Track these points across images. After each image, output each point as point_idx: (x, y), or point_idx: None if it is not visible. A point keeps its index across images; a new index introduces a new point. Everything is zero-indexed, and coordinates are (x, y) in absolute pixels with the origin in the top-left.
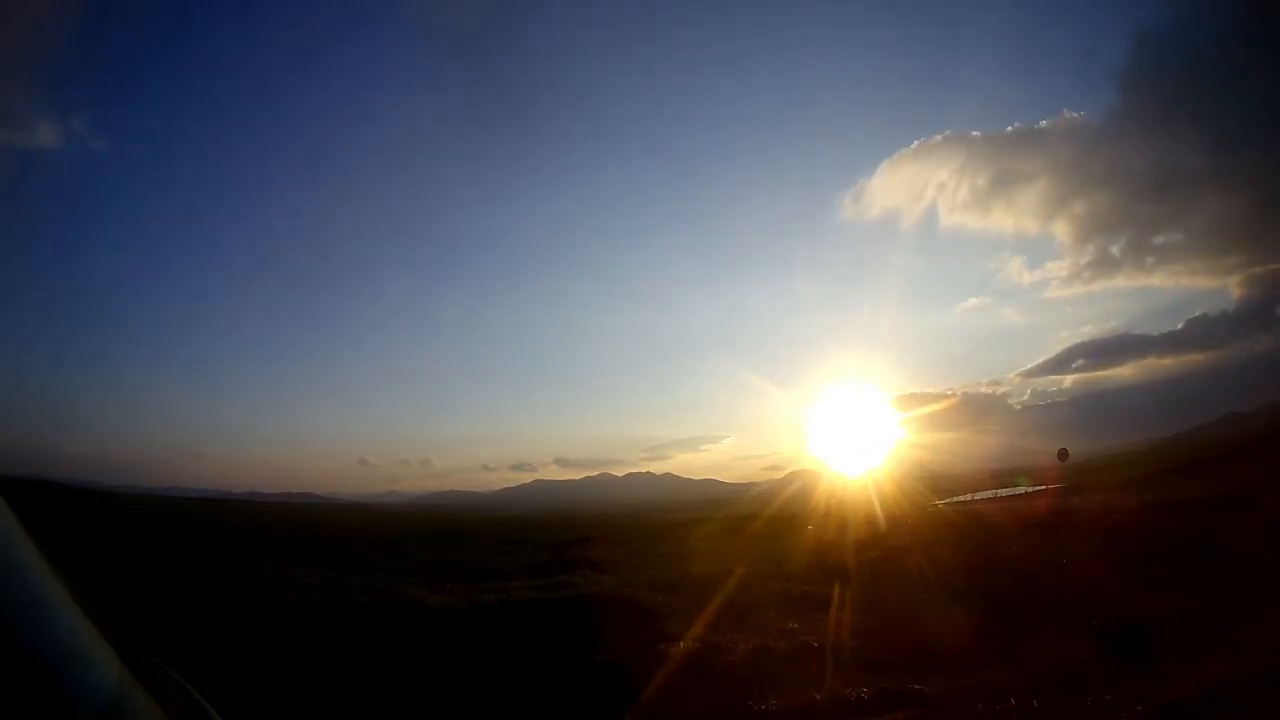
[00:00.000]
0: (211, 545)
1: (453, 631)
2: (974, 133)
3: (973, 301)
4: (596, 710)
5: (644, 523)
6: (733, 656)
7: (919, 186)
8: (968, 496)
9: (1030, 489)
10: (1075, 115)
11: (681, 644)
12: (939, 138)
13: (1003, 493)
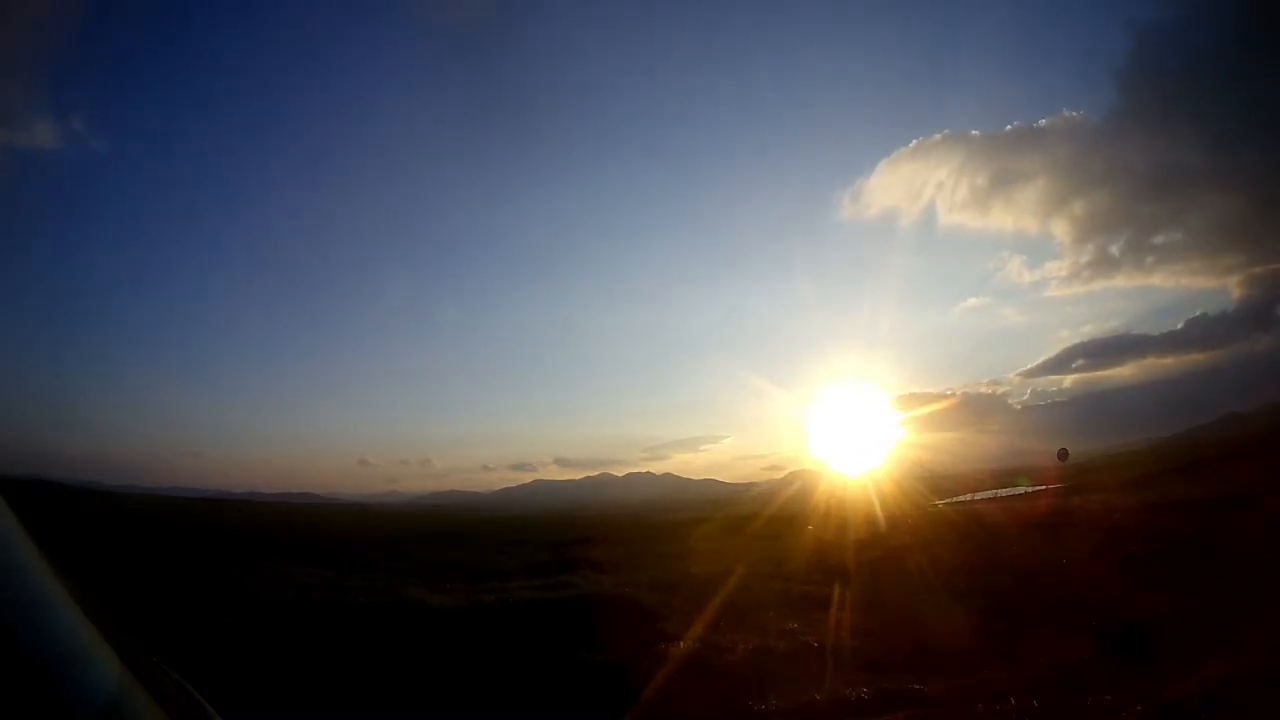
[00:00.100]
0: (211, 545)
1: (453, 631)
2: (973, 132)
3: (972, 301)
4: (596, 710)
5: (644, 523)
6: (733, 656)
7: (918, 186)
8: (968, 496)
9: (1030, 489)
10: (1074, 114)
11: (681, 644)
12: (938, 136)
13: (1003, 493)
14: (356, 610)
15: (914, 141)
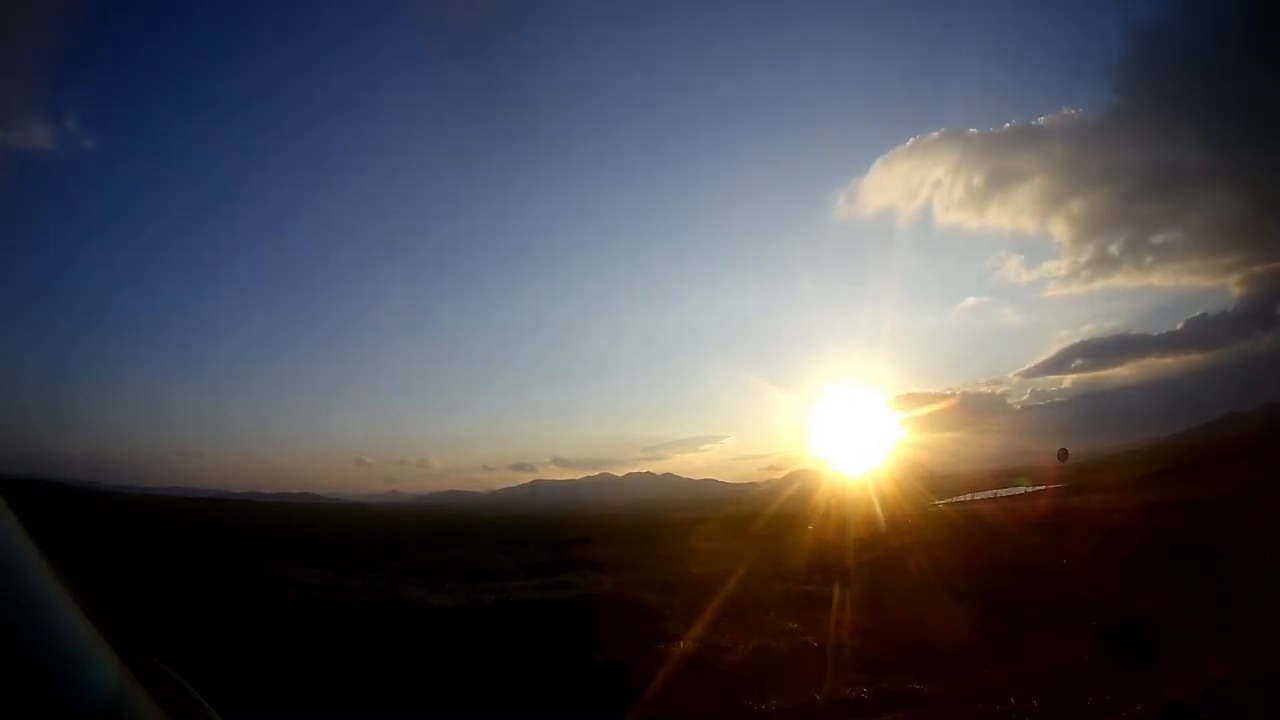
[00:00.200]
0: (211, 545)
1: (453, 631)
2: (970, 130)
3: (970, 301)
4: (596, 710)
5: (644, 523)
6: (733, 656)
7: (914, 185)
8: (967, 497)
9: (1030, 489)
10: (1072, 112)
11: (681, 644)
12: (934, 135)
13: (1002, 493)
14: (356, 610)
15: (910, 140)
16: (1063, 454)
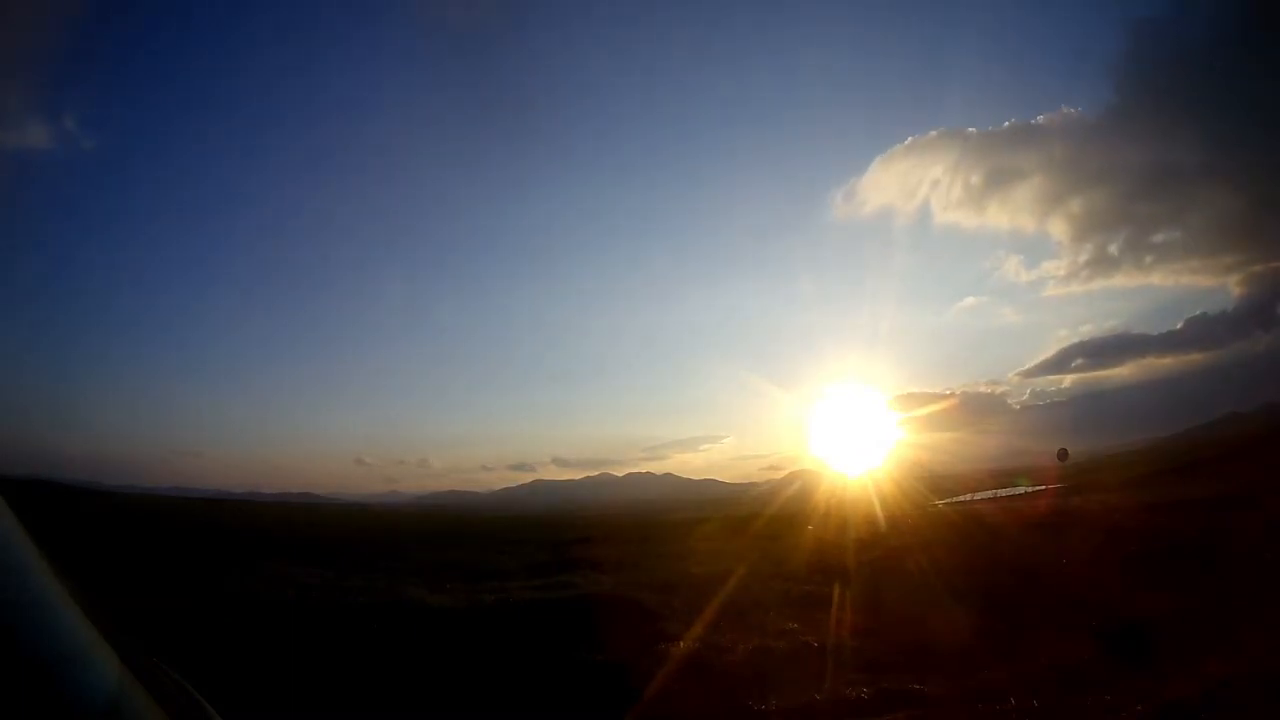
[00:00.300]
0: (211, 545)
1: (453, 631)
2: (968, 129)
3: (970, 301)
4: (596, 710)
5: (644, 523)
6: (733, 656)
7: (912, 184)
8: (968, 496)
9: (1030, 489)
10: (1071, 111)
11: (681, 644)
12: (933, 134)
13: (1002, 493)
14: (356, 610)
15: (908, 139)
16: (1062, 454)
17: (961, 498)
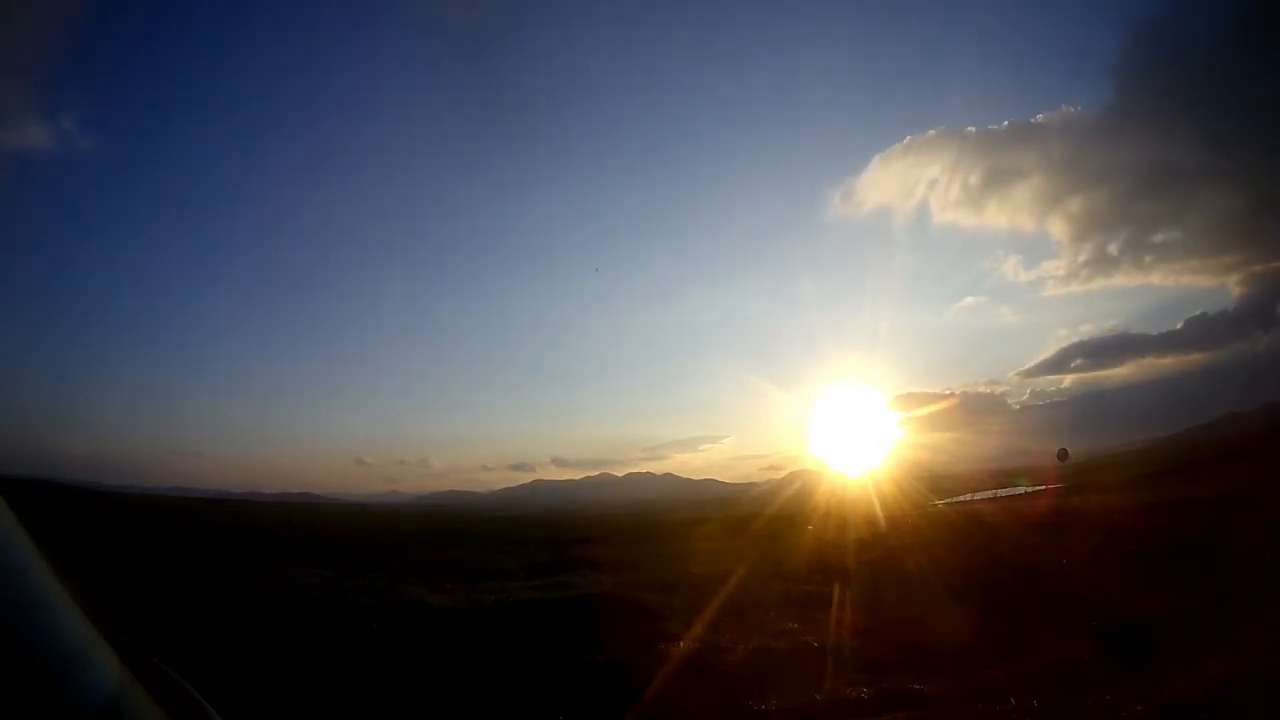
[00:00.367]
0: (211, 545)
1: (453, 631)
2: (967, 128)
3: (969, 301)
4: (596, 710)
5: (644, 523)
6: (733, 656)
7: (910, 183)
8: (967, 496)
9: (1030, 489)
10: (1071, 110)
11: (681, 644)
12: (931, 133)
13: (1002, 493)
14: (356, 610)
15: (906, 138)
16: (1062, 454)
17: (961, 498)
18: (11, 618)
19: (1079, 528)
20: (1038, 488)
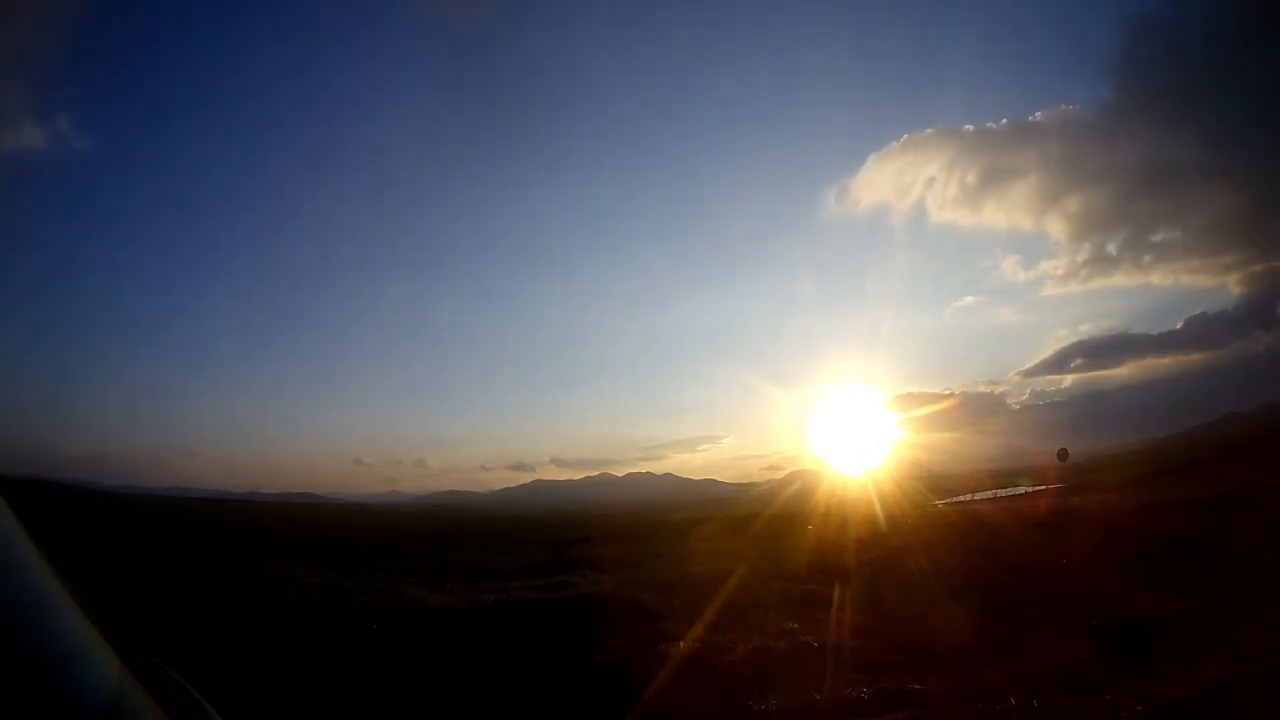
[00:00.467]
0: (211, 545)
1: (453, 631)
2: (964, 127)
3: (967, 300)
4: (596, 710)
5: (644, 523)
6: (733, 656)
7: (907, 183)
8: (967, 496)
9: (1030, 489)
10: (1069, 108)
11: (681, 644)
12: (928, 132)
13: (1002, 493)
14: (356, 610)
15: (903, 137)
16: (1062, 454)
17: (961, 498)
18: (11, 618)
19: (1079, 528)
20: (1038, 488)
